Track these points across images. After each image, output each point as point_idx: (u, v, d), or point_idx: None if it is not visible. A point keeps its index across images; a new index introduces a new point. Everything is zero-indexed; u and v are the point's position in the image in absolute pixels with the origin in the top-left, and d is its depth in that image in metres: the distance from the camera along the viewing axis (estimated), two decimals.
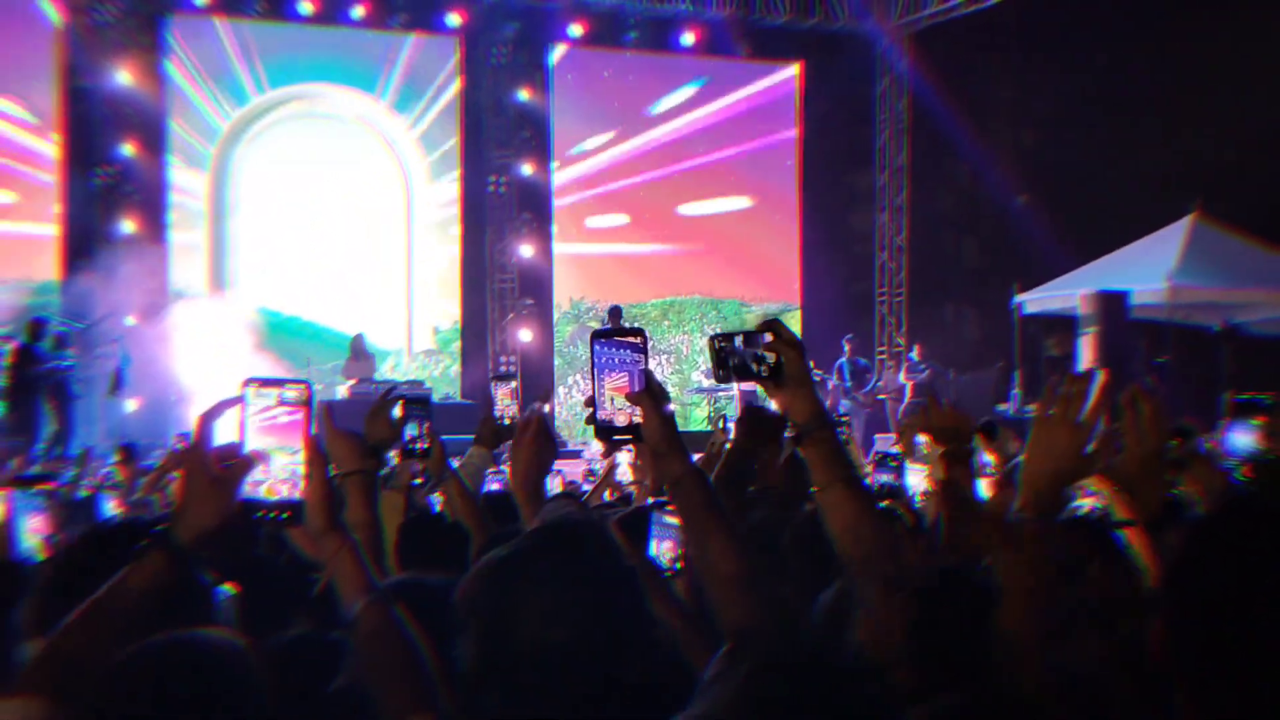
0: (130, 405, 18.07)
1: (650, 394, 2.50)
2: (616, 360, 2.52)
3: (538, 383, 19.70)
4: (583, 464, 14.06)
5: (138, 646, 2.23)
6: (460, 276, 20.37)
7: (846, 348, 19.51)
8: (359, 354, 18.46)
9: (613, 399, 2.51)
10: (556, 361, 20.52)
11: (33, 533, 3.36)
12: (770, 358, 2.63)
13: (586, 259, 20.95)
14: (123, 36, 18.51)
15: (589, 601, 2.39)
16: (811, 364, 13.54)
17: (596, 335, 2.51)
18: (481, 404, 19.23)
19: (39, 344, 16.56)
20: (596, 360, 2.52)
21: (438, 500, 7.26)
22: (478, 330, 20.36)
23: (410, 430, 4.44)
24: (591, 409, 2.50)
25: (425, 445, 4.51)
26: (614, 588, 2.42)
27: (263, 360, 18.92)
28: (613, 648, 2.38)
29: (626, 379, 2.50)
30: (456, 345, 20.48)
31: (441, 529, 4.39)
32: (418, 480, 7.44)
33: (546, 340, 20.69)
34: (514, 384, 5.53)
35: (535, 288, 20.45)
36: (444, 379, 20.30)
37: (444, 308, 20.48)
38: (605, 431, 2.53)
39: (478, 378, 20.24)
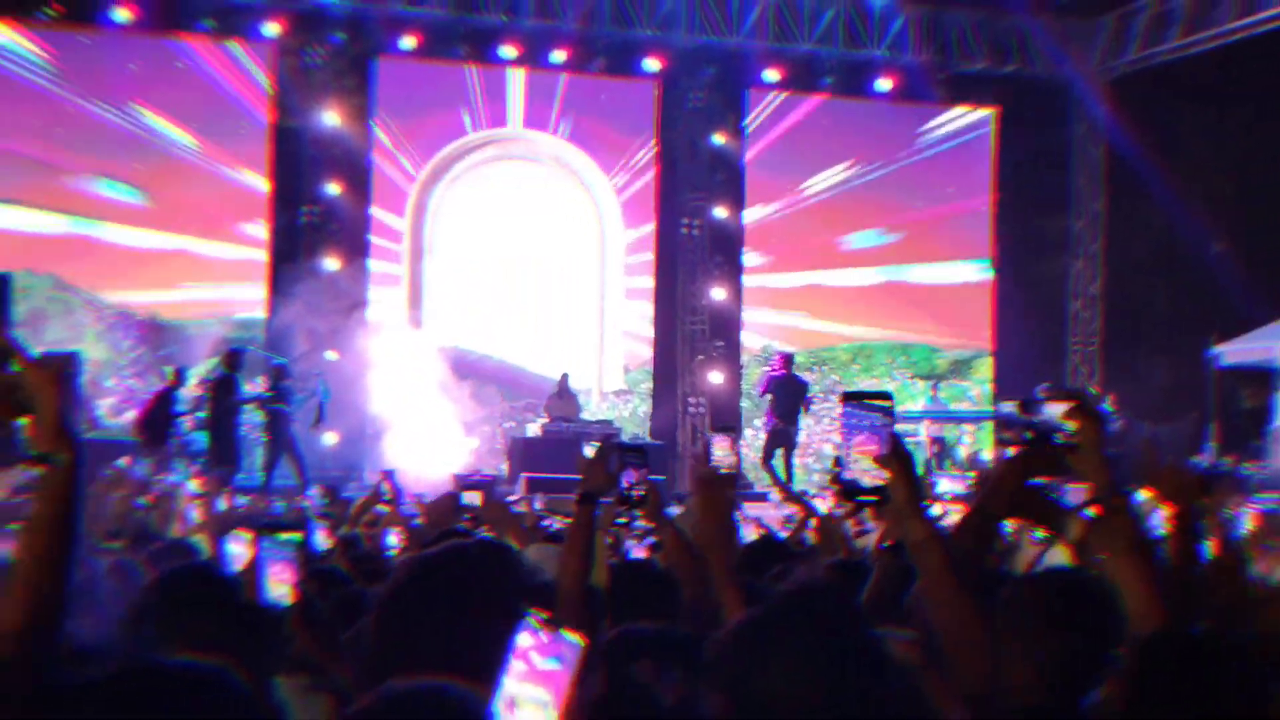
0: (330, 439, 19.41)
1: (898, 457, 2.67)
2: (865, 423, 2.69)
3: (724, 426, 20.75)
4: (769, 507, 14.97)
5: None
6: (653, 318, 21.32)
7: (1041, 396, 20.29)
8: (563, 393, 19.30)
9: (859, 460, 2.67)
10: (744, 404, 21.20)
11: (278, 579, 3.55)
12: (1070, 426, 2.83)
13: (775, 301, 21.67)
14: (330, 79, 19.73)
15: (836, 669, 2.55)
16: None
17: (847, 397, 2.71)
18: (694, 452, 20.39)
19: (237, 374, 17.73)
20: (845, 421, 2.70)
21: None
22: (667, 372, 21.23)
23: (627, 478, 4.66)
24: (838, 469, 2.68)
25: (642, 493, 4.73)
26: (859, 656, 2.57)
27: (456, 396, 20.30)
28: (857, 715, 2.56)
29: (874, 442, 2.66)
30: (646, 386, 21.42)
31: (652, 576, 4.64)
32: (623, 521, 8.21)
33: (734, 383, 21.33)
34: (733, 435, 6.14)
35: (725, 330, 21.20)
36: (633, 419, 21.17)
37: (634, 348, 21.51)
38: (850, 492, 2.71)
39: (666, 419, 21.07)
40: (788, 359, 19.34)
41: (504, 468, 18.94)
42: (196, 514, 8.99)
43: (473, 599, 2.57)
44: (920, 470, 13.60)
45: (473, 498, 7.63)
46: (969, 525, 3.13)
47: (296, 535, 3.60)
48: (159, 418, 17.47)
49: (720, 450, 5.41)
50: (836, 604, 2.72)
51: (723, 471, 5.26)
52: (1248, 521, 9.98)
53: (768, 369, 19.73)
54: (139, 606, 3.69)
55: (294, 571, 3.50)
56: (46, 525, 2.35)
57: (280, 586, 3.48)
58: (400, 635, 2.58)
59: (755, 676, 2.55)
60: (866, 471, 2.67)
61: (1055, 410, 2.85)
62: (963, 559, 2.88)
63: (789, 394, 18.98)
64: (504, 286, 20.93)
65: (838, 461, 2.71)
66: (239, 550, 4.42)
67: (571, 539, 4.01)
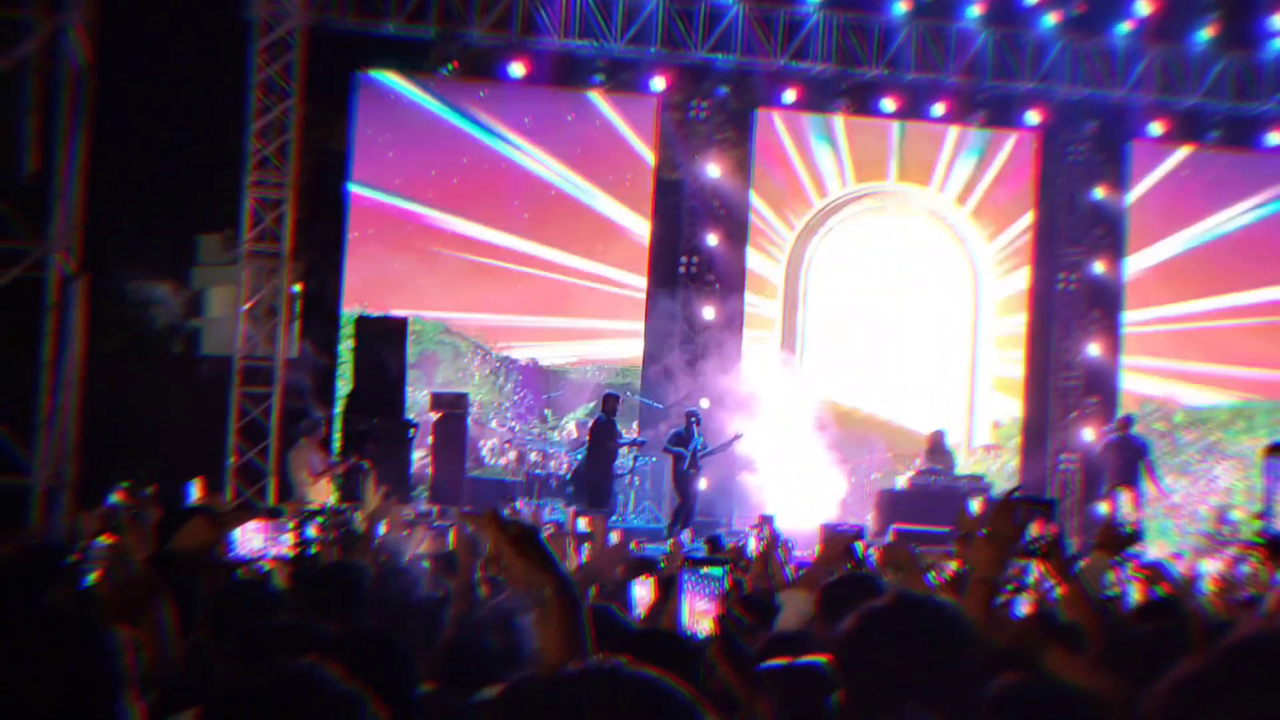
0: (700, 485, 21.19)
1: None
2: None
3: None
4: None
5: None
6: (1025, 372, 22.30)
7: None
8: (937, 450, 20.22)
9: None
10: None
11: (700, 613, 3.80)
12: None
13: (1151, 354, 22.58)
14: (713, 130, 21.42)
15: None
16: None
17: (1272, 450, 2.99)
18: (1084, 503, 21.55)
19: (614, 419, 19.27)
20: (1269, 472, 3.01)
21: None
22: (1038, 428, 22.06)
23: (1032, 530, 4.84)
24: (1263, 520, 3.01)
25: (1045, 546, 5.01)
26: None
27: (826, 445, 21.96)
28: None
29: None
30: (1016, 441, 22.32)
31: (1057, 630, 4.58)
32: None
33: (1146, 442, 21.72)
34: (1136, 490, 6.69)
35: (1100, 386, 22.03)
36: (1001, 474, 21.73)
37: (1004, 403, 22.52)
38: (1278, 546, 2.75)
39: (1035, 475, 21.68)
40: (1125, 421, 20.06)
41: (870, 518, 19.80)
42: (586, 552, 10.33)
43: (926, 647, 2.96)
44: None
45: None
46: None
47: (718, 570, 3.88)
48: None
49: (1126, 505, 6.30)
50: None
51: (1127, 529, 6.13)
52: None
53: (1106, 431, 20.54)
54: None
55: (717, 605, 3.74)
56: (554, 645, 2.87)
57: (701, 619, 3.71)
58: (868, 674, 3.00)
59: None
60: None
61: None
62: None
63: (1126, 457, 19.44)
64: (876, 338, 22.17)
65: (1263, 514, 2.74)
66: (643, 592, 5.13)
67: (974, 592, 4.23)
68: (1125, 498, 17.93)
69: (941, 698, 2.86)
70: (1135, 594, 8.62)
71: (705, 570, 3.75)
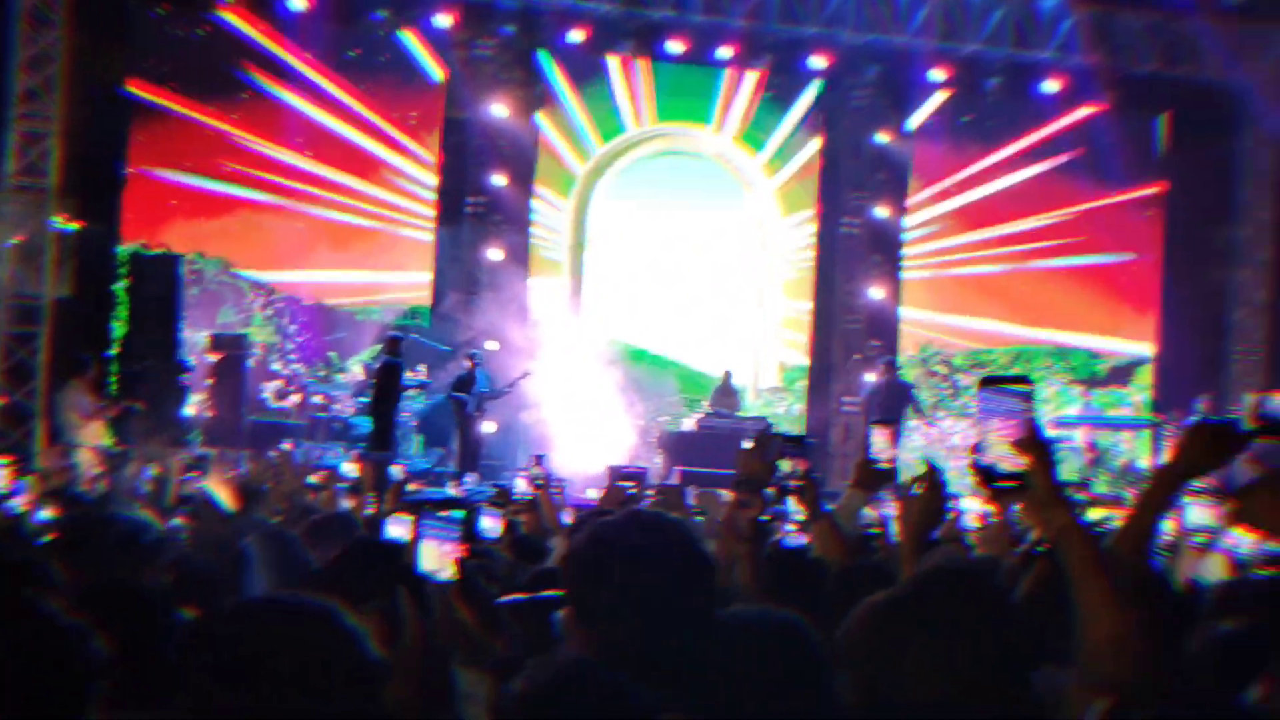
0: (487, 427, 20.56)
1: (1037, 443, 2.80)
2: (1004, 407, 2.84)
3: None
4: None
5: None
6: (810, 316, 23.20)
7: (1201, 408, 22.65)
8: (726, 390, 21.14)
9: (998, 445, 2.82)
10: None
11: (440, 555, 3.72)
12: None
13: (933, 302, 23.92)
14: (500, 70, 21.67)
15: (968, 650, 2.78)
16: (1162, 418, 17.01)
17: (986, 382, 2.89)
18: (845, 444, 22.77)
19: (399, 361, 19.39)
20: (983, 406, 2.86)
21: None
22: (823, 370, 22.85)
23: (784, 468, 5.14)
24: (976, 454, 2.81)
25: (799, 483, 5.20)
26: (993, 636, 2.79)
27: (614, 388, 21.68)
28: (991, 697, 2.75)
29: (1013, 426, 2.82)
30: (802, 384, 23.36)
31: (804, 565, 5.05)
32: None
33: (912, 385, 22.68)
34: (893, 428, 5.99)
35: (883, 330, 22.94)
36: (787, 416, 22.93)
37: (791, 346, 23.67)
38: (989, 477, 2.84)
39: (820, 417, 22.61)
40: (890, 364, 21.21)
41: (658, 461, 20.67)
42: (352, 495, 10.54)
43: (651, 562, 2.94)
44: (1076, 474, 16.19)
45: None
46: (1142, 508, 3.18)
47: (460, 512, 3.85)
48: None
49: (880, 442, 5.84)
50: (983, 587, 2.96)
51: (882, 465, 5.79)
52: None
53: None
54: (320, 575, 4.35)
55: (456, 548, 3.74)
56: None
57: (441, 562, 3.71)
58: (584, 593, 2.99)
59: (890, 656, 2.79)
60: (1004, 457, 2.83)
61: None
62: (1124, 555, 3.03)
63: (890, 398, 20.78)
64: (663, 281, 22.92)
65: (975, 447, 2.85)
66: (400, 531, 5.07)
67: (728, 524, 4.50)
68: (880, 435, 19.08)
69: (666, 615, 2.90)
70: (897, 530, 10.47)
71: (446, 513, 3.78)
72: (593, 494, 13.95)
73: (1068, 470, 21.70)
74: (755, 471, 4.83)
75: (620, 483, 9.41)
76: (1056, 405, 23.34)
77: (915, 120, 23.30)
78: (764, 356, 23.41)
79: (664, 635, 2.93)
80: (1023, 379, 2.95)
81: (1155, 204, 24.14)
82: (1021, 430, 2.86)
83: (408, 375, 20.24)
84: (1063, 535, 2.78)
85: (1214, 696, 3.20)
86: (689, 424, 21.30)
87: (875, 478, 5.93)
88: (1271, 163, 23.58)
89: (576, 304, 22.87)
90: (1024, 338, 23.86)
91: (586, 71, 22.88)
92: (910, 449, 22.28)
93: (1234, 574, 6.78)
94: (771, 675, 2.96)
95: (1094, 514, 10.68)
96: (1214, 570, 7.05)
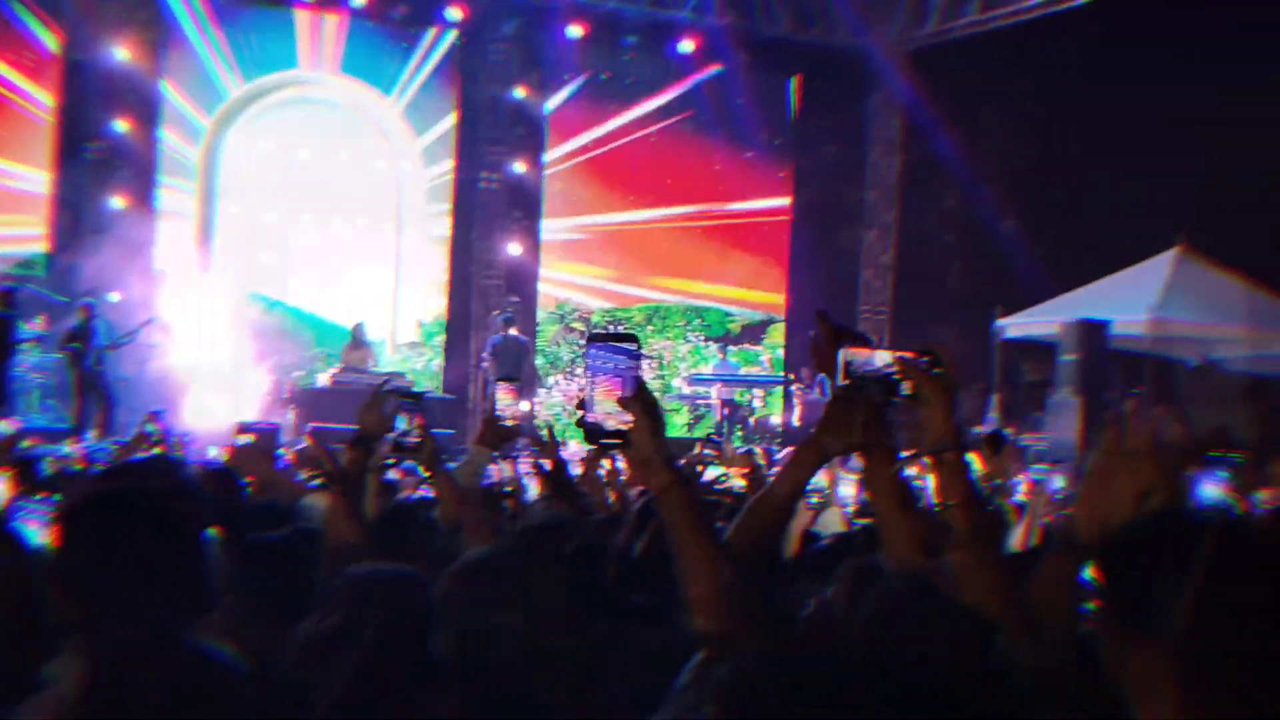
0: (116, 377, 20.13)
1: (641, 401, 2.88)
2: (610, 364, 2.92)
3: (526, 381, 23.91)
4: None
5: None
6: (448, 271, 23.55)
7: (804, 374, 23.81)
8: (359, 343, 21.04)
9: (604, 403, 2.90)
10: (539, 361, 23.50)
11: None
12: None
13: (572, 258, 24.48)
14: (122, 11, 21.44)
15: (562, 603, 2.95)
16: (792, 376, 18.31)
17: (593, 338, 2.94)
18: (484, 402, 23.05)
19: (12, 314, 19.05)
20: (590, 363, 2.92)
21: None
22: (462, 326, 23.32)
23: (401, 424, 5.19)
24: (582, 411, 2.86)
25: (417, 440, 5.24)
26: (590, 590, 2.94)
27: (246, 342, 21.41)
28: (587, 650, 2.90)
29: (619, 383, 2.91)
30: (440, 339, 23.67)
31: (418, 523, 5.16)
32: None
33: (530, 340, 23.16)
34: (517, 384, 6.53)
35: (521, 287, 23.64)
36: (425, 372, 23.11)
37: (430, 301, 23.75)
38: (594, 434, 2.93)
39: (459, 373, 23.04)
40: (507, 321, 21.42)
41: (290, 417, 20.57)
42: None
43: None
44: (711, 431, 17.15)
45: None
46: (792, 467, 3.22)
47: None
48: None
49: (504, 399, 5.98)
50: (578, 542, 3.06)
51: (507, 421, 5.92)
52: (1023, 490, 12.81)
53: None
54: None
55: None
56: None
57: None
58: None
59: (484, 611, 2.90)
60: (610, 414, 2.88)
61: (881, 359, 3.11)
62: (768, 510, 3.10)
63: (510, 354, 21.21)
64: (298, 231, 22.90)
65: (581, 404, 2.87)
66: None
67: (342, 480, 4.51)
68: (504, 392, 19.73)
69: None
70: (534, 487, 9.31)
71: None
72: (215, 451, 14.05)
73: (704, 427, 22.77)
74: (371, 427, 4.89)
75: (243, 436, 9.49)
76: (692, 363, 24.41)
77: (553, 76, 23.93)
78: (401, 310, 23.82)
79: None
80: (630, 336, 3.00)
81: (787, 165, 25.38)
82: (627, 388, 2.92)
83: (24, 328, 19.89)
84: (664, 494, 2.85)
85: (808, 647, 3.27)
86: (323, 379, 21.46)
87: (499, 434, 6.06)
88: (897, 127, 24.98)
89: (206, 253, 22.86)
90: (659, 296, 24.81)
91: (228, 16, 22.79)
92: (550, 406, 23.00)
93: (847, 527, 7.38)
94: (380, 629, 3.10)
95: (725, 470, 10.95)
96: (831, 524, 7.74)
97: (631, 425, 2.89)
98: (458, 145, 23.25)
